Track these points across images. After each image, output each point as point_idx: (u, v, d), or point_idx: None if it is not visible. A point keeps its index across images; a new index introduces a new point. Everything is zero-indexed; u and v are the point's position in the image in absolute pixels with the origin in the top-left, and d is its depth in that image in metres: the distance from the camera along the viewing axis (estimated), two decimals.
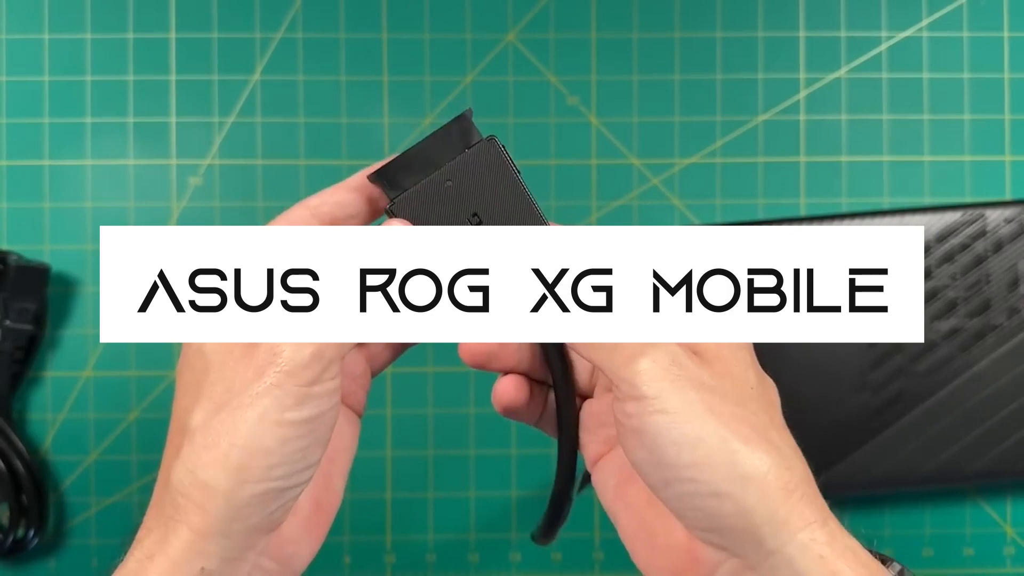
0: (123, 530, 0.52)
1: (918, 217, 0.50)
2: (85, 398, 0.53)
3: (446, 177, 0.33)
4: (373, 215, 0.36)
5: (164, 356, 0.53)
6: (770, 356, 0.50)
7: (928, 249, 0.50)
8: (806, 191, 0.53)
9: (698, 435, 0.30)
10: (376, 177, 0.34)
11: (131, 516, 0.52)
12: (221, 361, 0.32)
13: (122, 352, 0.53)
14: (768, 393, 0.34)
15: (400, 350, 0.38)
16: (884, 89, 0.53)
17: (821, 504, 0.32)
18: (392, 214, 0.34)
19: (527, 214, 0.34)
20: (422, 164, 0.33)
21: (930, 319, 0.50)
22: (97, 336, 0.53)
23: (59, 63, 0.53)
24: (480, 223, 0.33)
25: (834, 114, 0.53)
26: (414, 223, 0.33)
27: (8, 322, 0.50)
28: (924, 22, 0.53)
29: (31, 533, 0.50)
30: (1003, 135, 0.53)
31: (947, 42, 0.53)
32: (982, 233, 0.50)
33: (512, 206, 0.34)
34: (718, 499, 0.30)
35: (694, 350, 0.32)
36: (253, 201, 0.53)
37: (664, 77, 0.53)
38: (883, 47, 0.53)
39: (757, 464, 0.30)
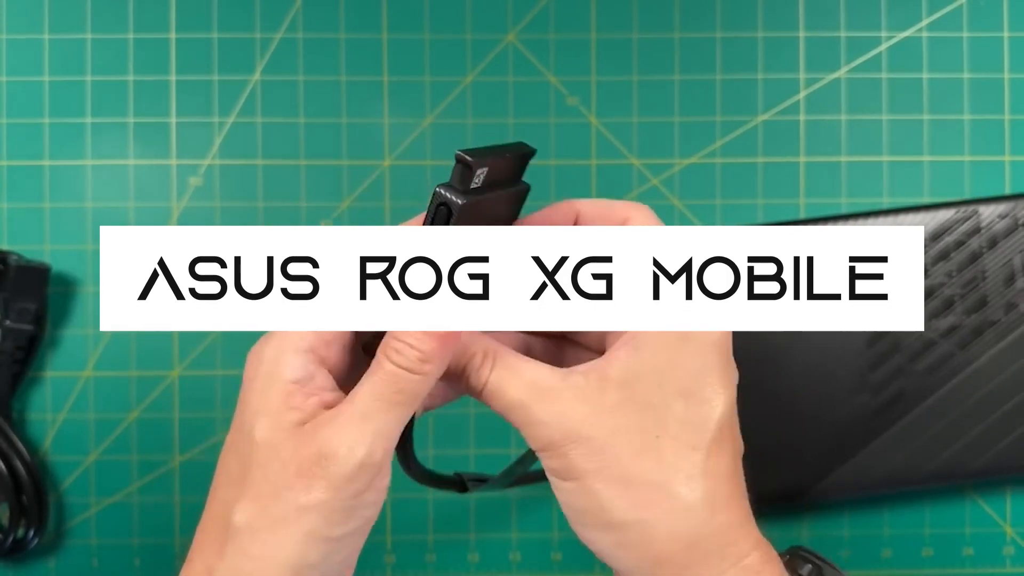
0: (123, 530, 0.52)
1: (912, 216, 0.50)
2: (85, 398, 0.53)
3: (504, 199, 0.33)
4: None
5: (164, 356, 0.53)
6: (769, 358, 0.50)
7: (924, 247, 0.50)
8: (806, 191, 0.53)
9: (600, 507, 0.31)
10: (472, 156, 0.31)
11: (131, 516, 0.52)
12: (267, 456, 0.30)
13: (122, 352, 0.53)
14: (700, 411, 0.32)
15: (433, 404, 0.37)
16: (884, 89, 0.53)
17: (748, 528, 0.32)
18: (448, 211, 0.31)
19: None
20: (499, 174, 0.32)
21: (928, 317, 0.50)
22: (97, 336, 0.53)
23: (59, 63, 0.53)
24: None
25: (834, 114, 0.53)
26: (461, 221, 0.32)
27: (8, 322, 0.50)
28: (924, 22, 0.53)
29: (31, 533, 0.50)
30: (1003, 135, 0.53)
31: (947, 42, 0.53)
32: (976, 230, 0.50)
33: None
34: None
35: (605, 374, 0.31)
36: (253, 201, 0.53)
37: (664, 77, 0.53)
38: (883, 47, 0.53)
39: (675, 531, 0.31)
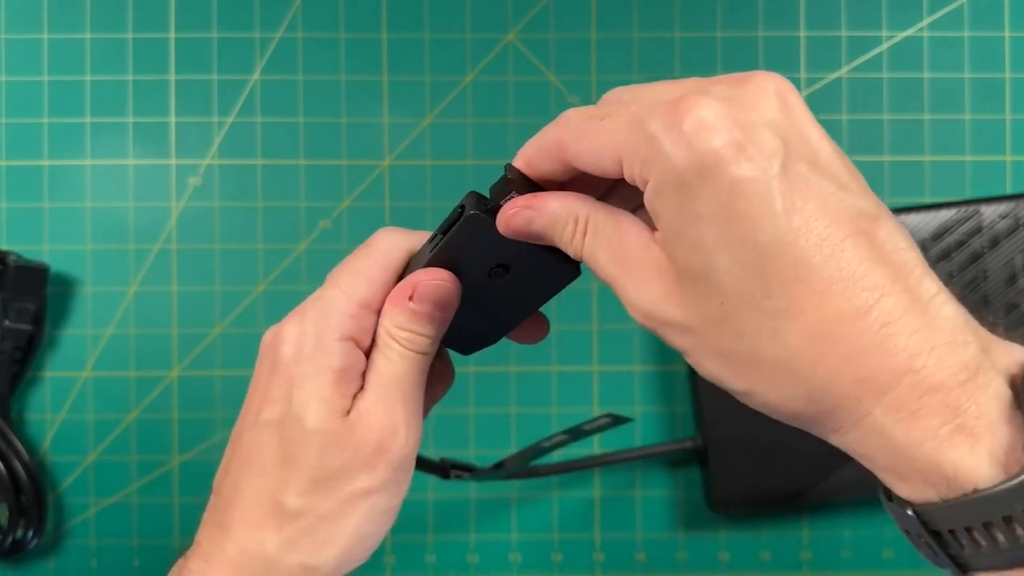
0: (122, 531, 0.52)
1: (913, 215, 0.50)
2: (84, 398, 0.52)
3: (521, 248, 0.31)
4: None
5: (163, 356, 0.52)
6: None
7: (924, 247, 0.50)
8: None
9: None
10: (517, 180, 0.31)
11: (130, 516, 0.52)
12: (323, 443, 0.31)
13: (121, 352, 0.52)
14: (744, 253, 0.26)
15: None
16: (885, 89, 0.53)
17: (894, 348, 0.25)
18: (464, 220, 0.31)
19: (508, 325, 0.35)
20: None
21: None
22: (97, 336, 0.53)
23: (59, 63, 0.53)
24: (499, 279, 0.33)
25: (835, 114, 0.53)
26: (459, 238, 0.31)
27: (7, 322, 0.50)
28: (925, 22, 0.53)
29: (30, 534, 0.50)
30: (1003, 135, 0.53)
31: (948, 42, 0.53)
32: (978, 230, 0.50)
33: (515, 312, 0.34)
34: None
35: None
36: (253, 201, 0.53)
37: (664, 77, 0.53)
38: (884, 47, 0.53)
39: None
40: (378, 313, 0.33)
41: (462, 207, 0.31)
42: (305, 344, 0.32)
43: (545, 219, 0.29)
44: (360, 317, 0.32)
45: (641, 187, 0.27)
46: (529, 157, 0.30)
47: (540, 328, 0.36)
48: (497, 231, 0.30)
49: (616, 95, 0.29)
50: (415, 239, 0.34)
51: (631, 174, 0.27)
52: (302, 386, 0.32)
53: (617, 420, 0.44)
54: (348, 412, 0.32)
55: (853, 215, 0.26)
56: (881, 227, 0.26)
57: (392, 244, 0.33)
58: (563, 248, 0.30)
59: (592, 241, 0.29)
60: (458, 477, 0.42)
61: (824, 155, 0.27)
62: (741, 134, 0.25)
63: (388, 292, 0.33)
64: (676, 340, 0.28)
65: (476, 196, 0.31)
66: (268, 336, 0.33)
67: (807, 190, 0.25)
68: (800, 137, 0.27)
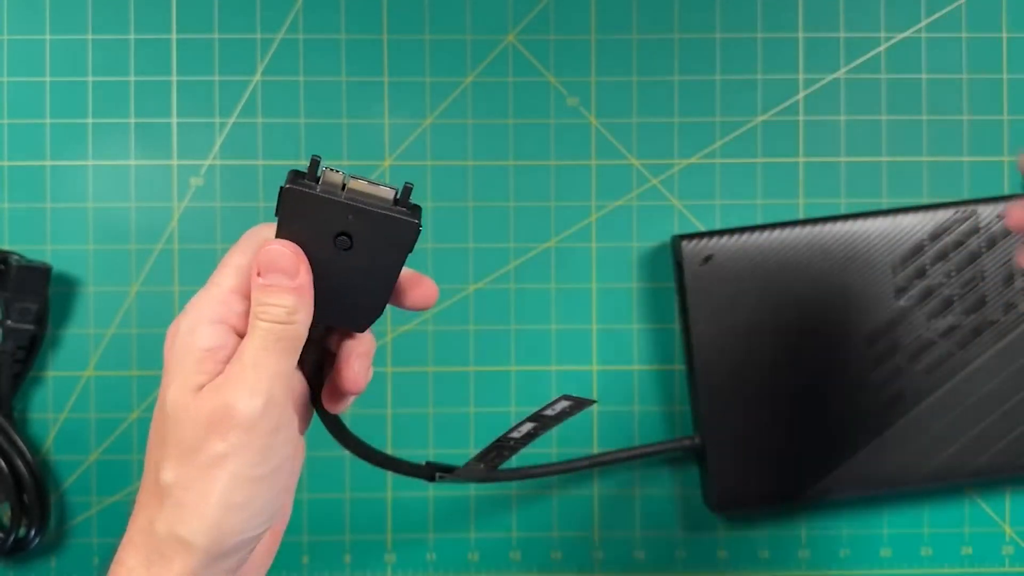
0: (124, 530, 0.52)
1: (911, 216, 0.50)
2: (86, 398, 0.53)
3: (351, 212, 0.33)
4: None
5: None
6: (770, 359, 0.50)
7: (922, 247, 0.50)
8: (805, 191, 0.53)
9: None
10: (311, 167, 0.34)
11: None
12: (178, 417, 0.33)
13: (123, 352, 0.53)
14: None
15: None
16: (883, 90, 0.53)
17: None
18: (280, 196, 0.33)
19: (381, 293, 0.35)
20: (352, 194, 0.33)
21: (927, 317, 0.50)
22: (99, 336, 0.53)
23: (61, 64, 0.53)
24: (348, 248, 0.34)
25: (833, 115, 0.53)
26: (286, 215, 0.33)
27: (9, 322, 0.51)
28: (923, 23, 0.53)
29: (32, 532, 0.51)
30: (1001, 136, 0.53)
31: (946, 43, 0.53)
32: (975, 230, 0.50)
33: (380, 278, 0.35)
34: None
35: None
36: (254, 201, 0.53)
37: (663, 78, 0.53)
38: (882, 48, 0.53)
39: None
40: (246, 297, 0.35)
41: (281, 188, 0.33)
42: (180, 332, 0.34)
43: None
44: (230, 302, 0.34)
45: None
46: None
47: (425, 289, 0.37)
48: (322, 200, 0.33)
49: None
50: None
51: None
52: (169, 369, 0.34)
53: (579, 403, 0.44)
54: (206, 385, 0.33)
55: None
56: None
57: (259, 235, 0.36)
58: None
59: None
60: (443, 479, 0.42)
61: None
62: None
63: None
64: None
65: (293, 172, 0.33)
66: (167, 332, 0.35)
67: None
68: None
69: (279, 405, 0.33)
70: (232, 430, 0.32)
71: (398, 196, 0.34)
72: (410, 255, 0.34)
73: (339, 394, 0.36)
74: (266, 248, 0.34)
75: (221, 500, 0.32)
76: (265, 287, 0.33)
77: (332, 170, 0.33)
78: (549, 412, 0.41)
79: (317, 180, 0.33)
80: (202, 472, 0.32)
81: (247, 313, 0.34)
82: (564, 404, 0.42)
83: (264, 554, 0.37)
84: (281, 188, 0.33)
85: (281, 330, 0.33)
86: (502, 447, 0.42)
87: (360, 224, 0.33)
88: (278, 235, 0.34)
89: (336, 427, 0.38)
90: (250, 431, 0.32)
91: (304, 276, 0.34)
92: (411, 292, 0.36)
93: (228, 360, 0.34)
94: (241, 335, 0.34)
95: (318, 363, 0.37)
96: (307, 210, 0.33)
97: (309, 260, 0.34)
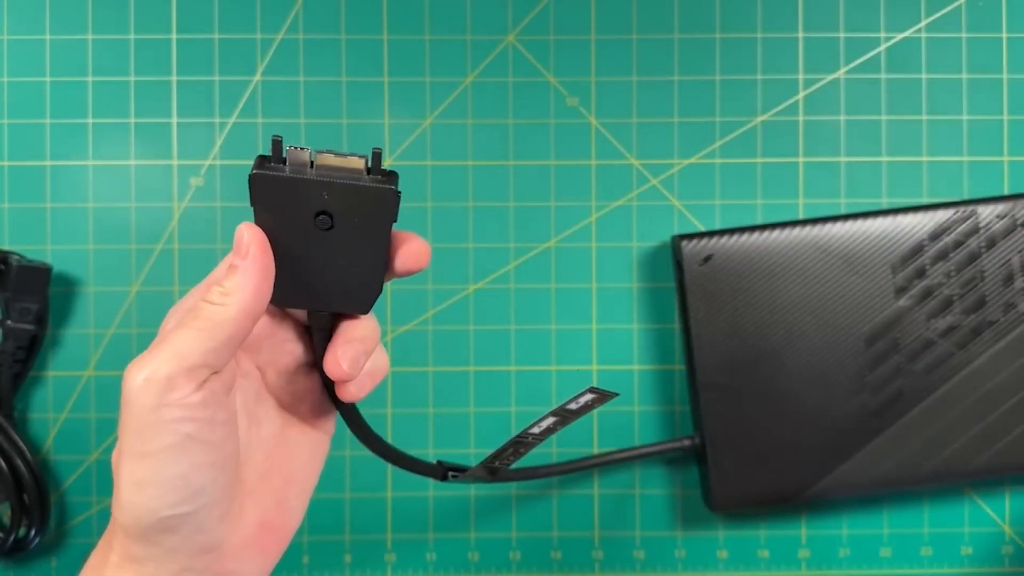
0: None
1: (911, 216, 0.50)
2: (87, 398, 0.53)
3: (325, 189, 0.32)
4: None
5: None
6: (768, 358, 0.50)
7: (922, 247, 0.50)
8: (805, 192, 0.53)
9: None
10: (273, 148, 0.32)
11: None
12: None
13: (124, 352, 0.53)
14: None
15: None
16: (883, 90, 0.53)
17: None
18: (250, 183, 0.32)
19: (374, 268, 0.34)
20: (320, 169, 0.32)
21: (926, 317, 0.50)
22: (99, 336, 0.53)
23: (61, 64, 0.53)
24: (330, 228, 0.32)
25: (833, 115, 0.53)
26: (259, 202, 0.32)
27: (10, 322, 0.51)
28: (923, 23, 0.53)
29: (33, 532, 0.51)
30: (1001, 136, 0.53)
31: (945, 43, 0.53)
32: (975, 230, 0.50)
33: (370, 253, 0.33)
34: None
35: None
36: None
37: (663, 78, 0.53)
38: (882, 48, 0.53)
39: None
40: None
41: (249, 176, 0.32)
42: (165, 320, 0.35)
43: None
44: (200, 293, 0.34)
45: None
46: None
47: (413, 246, 0.34)
48: (292, 182, 0.31)
49: None
50: None
51: None
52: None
53: (604, 396, 0.44)
54: None
55: None
56: None
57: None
58: None
59: None
60: (455, 479, 0.42)
61: None
62: None
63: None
64: None
65: (260, 157, 0.32)
66: None
67: None
68: None
69: (161, 382, 0.31)
70: (124, 403, 0.31)
71: (368, 164, 0.32)
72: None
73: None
74: (238, 227, 0.33)
75: (124, 477, 0.32)
76: (219, 267, 0.34)
77: (297, 148, 0.32)
78: (573, 406, 0.41)
79: (284, 162, 0.32)
80: (116, 450, 0.32)
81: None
82: (589, 397, 0.42)
83: (244, 546, 0.35)
84: (249, 176, 0.32)
85: (207, 310, 0.32)
86: (520, 444, 0.42)
87: (337, 200, 0.32)
88: (255, 220, 0.33)
89: (352, 420, 0.37)
90: (126, 407, 0.31)
91: (255, 257, 0.32)
92: (398, 253, 0.34)
93: None
94: None
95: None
96: (279, 194, 0.32)
97: (290, 245, 0.33)
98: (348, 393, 0.35)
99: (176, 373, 0.31)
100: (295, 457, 0.37)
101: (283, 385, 0.37)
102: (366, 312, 0.35)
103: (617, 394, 0.41)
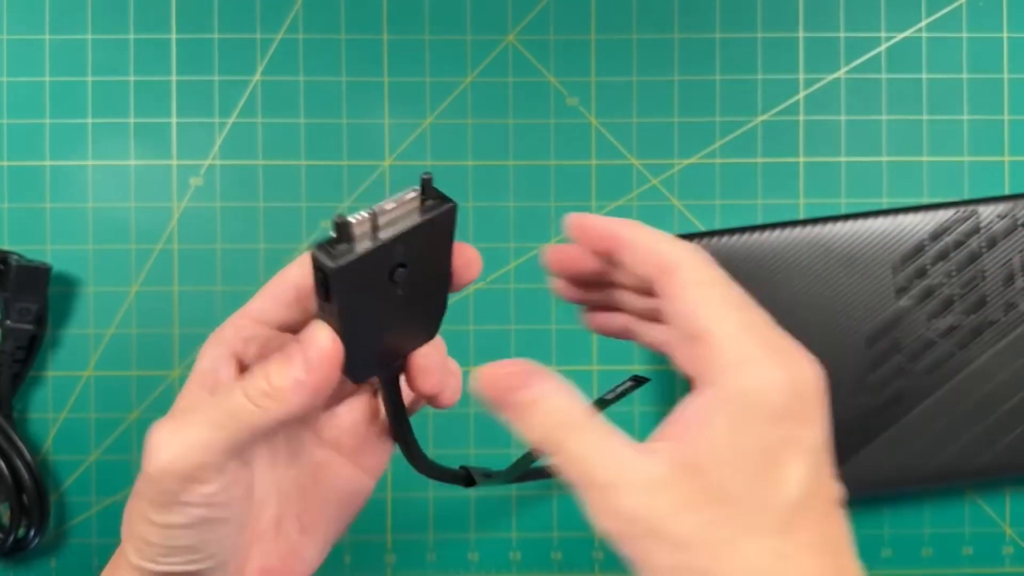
0: None
1: (911, 216, 0.50)
2: (86, 398, 0.53)
3: (401, 241, 0.29)
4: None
5: (165, 356, 0.53)
6: None
7: (923, 247, 0.50)
8: (805, 192, 0.53)
9: None
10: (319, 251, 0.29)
11: None
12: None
13: (123, 352, 0.53)
14: (775, 492, 0.29)
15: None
16: (883, 90, 0.53)
17: None
18: (327, 280, 0.28)
19: (440, 289, 0.32)
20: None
21: (927, 317, 0.50)
22: (98, 336, 0.53)
23: (60, 63, 0.53)
24: (406, 276, 0.30)
25: (833, 115, 0.53)
26: (339, 297, 0.29)
27: (9, 322, 0.51)
28: (923, 23, 0.53)
29: (32, 533, 0.50)
30: (1002, 136, 0.53)
31: (946, 43, 0.53)
32: (976, 230, 0.50)
33: (436, 276, 0.32)
34: None
35: None
36: (254, 201, 0.53)
37: (664, 78, 0.53)
38: (882, 48, 0.53)
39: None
40: (268, 325, 0.33)
41: (320, 270, 0.28)
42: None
43: (535, 394, 0.30)
44: (239, 325, 0.33)
45: (705, 367, 0.28)
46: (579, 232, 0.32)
47: (468, 261, 0.33)
48: (368, 256, 0.28)
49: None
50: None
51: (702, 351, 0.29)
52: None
53: (639, 382, 0.44)
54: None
55: (828, 501, 0.32)
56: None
57: (299, 264, 0.33)
58: (532, 434, 0.30)
59: (579, 443, 0.29)
60: (483, 483, 0.41)
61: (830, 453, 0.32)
62: (819, 404, 0.29)
63: (282, 303, 0.33)
64: (660, 554, 0.27)
65: (320, 247, 0.28)
66: None
67: (820, 478, 0.31)
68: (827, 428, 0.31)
69: (178, 473, 0.30)
70: (144, 471, 0.30)
71: (422, 193, 0.30)
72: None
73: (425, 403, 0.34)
74: (312, 330, 0.30)
75: (134, 531, 0.31)
76: (277, 357, 0.30)
77: (358, 217, 0.28)
78: (610, 395, 0.41)
79: (350, 238, 0.28)
80: (129, 502, 0.32)
81: (253, 340, 0.33)
82: (627, 384, 0.42)
83: None
84: (325, 271, 0.28)
85: (242, 407, 0.30)
86: None
87: (410, 246, 0.29)
88: (321, 313, 0.30)
89: (413, 453, 0.36)
90: (147, 481, 0.30)
91: (319, 372, 0.30)
92: (460, 272, 0.33)
93: (211, 389, 0.32)
94: (238, 361, 0.33)
95: (396, 400, 0.34)
96: (357, 274, 0.29)
97: (367, 318, 0.30)
98: (447, 404, 0.35)
99: (201, 467, 0.30)
100: (322, 503, 0.35)
101: (328, 419, 0.35)
102: (433, 336, 0.34)
103: (649, 379, 0.41)
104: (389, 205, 0.29)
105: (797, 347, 0.29)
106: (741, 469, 0.27)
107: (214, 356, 0.32)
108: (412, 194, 0.30)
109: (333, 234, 0.28)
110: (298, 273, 0.33)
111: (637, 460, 0.28)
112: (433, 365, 0.34)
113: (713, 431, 0.28)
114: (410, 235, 0.29)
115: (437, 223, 0.30)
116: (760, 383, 0.27)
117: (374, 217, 0.29)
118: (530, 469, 0.48)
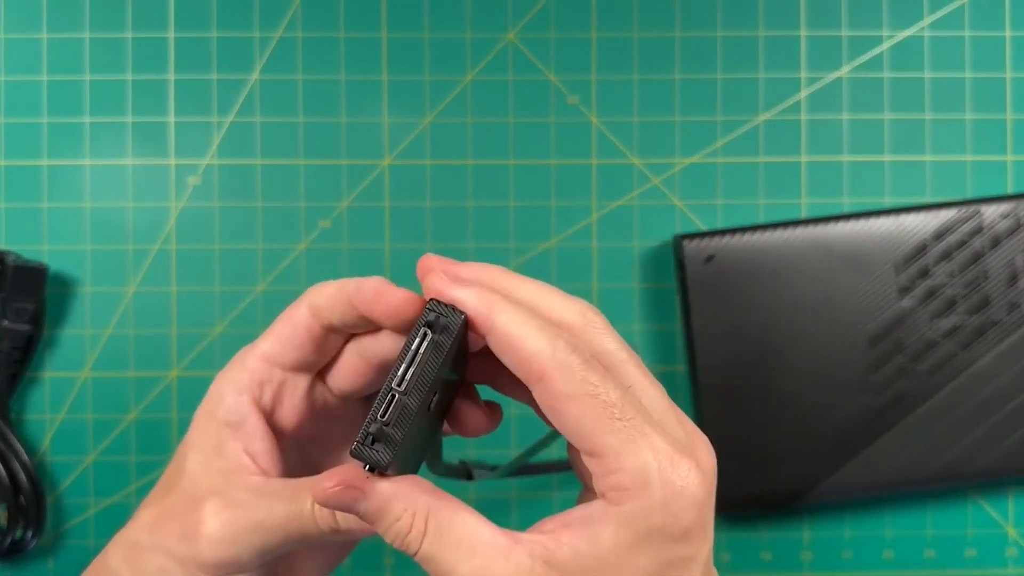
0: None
1: (914, 215, 0.50)
2: (83, 399, 0.52)
3: (437, 389, 0.29)
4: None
5: (163, 357, 0.52)
6: (772, 359, 0.50)
7: (925, 247, 0.50)
8: (807, 191, 0.53)
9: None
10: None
11: (129, 517, 0.52)
12: (186, 488, 0.33)
13: (121, 353, 0.52)
14: None
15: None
16: (885, 89, 0.53)
17: None
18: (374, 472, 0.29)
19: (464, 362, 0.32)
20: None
21: (930, 317, 0.50)
22: (96, 337, 0.52)
23: (57, 62, 0.52)
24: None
25: (835, 114, 0.53)
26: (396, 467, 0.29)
27: (6, 322, 0.50)
28: (925, 21, 0.53)
29: (29, 534, 0.50)
30: (1004, 135, 0.53)
31: (948, 41, 0.53)
32: (979, 229, 0.50)
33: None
34: None
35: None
36: (252, 201, 0.53)
37: (664, 76, 0.53)
38: (884, 46, 0.53)
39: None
40: (280, 368, 0.33)
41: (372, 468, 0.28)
42: (209, 397, 0.34)
43: (374, 506, 0.29)
44: (257, 370, 0.33)
45: (596, 484, 0.28)
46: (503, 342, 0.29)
47: (493, 414, 0.34)
48: (416, 428, 0.29)
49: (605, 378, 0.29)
50: (336, 292, 0.32)
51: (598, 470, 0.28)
52: (190, 435, 0.34)
53: None
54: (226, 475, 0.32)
55: None
56: None
57: (312, 301, 0.32)
58: (387, 539, 0.29)
59: (434, 541, 0.28)
60: (481, 477, 0.42)
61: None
62: (707, 516, 0.28)
63: (294, 346, 0.33)
64: None
65: (364, 447, 0.28)
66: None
67: None
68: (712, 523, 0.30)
69: (230, 565, 0.32)
70: (190, 543, 0.32)
71: (431, 327, 0.29)
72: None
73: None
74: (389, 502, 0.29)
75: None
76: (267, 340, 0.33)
77: (396, 395, 0.28)
78: None
79: (400, 436, 0.28)
80: (155, 551, 0.33)
81: (269, 383, 0.33)
82: None
83: None
84: (374, 470, 0.29)
85: (308, 524, 0.31)
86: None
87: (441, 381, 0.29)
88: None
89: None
90: (194, 563, 0.32)
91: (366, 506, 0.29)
92: (479, 418, 0.33)
93: (245, 441, 0.33)
94: (261, 408, 0.33)
95: (437, 445, 0.35)
96: (407, 438, 0.28)
97: (418, 454, 0.31)
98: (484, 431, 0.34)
99: (250, 563, 0.32)
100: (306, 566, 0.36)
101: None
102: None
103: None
104: (418, 357, 0.28)
105: (691, 437, 0.29)
106: None
107: (238, 403, 0.33)
108: (418, 339, 0.29)
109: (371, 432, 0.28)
110: (306, 315, 0.33)
111: (495, 549, 0.28)
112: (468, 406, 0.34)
113: (599, 547, 0.28)
114: (440, 370, 0.29)
115: (458, 336, 0.29)
116: (651, 507, 0.27)
117: (405, 377, 0.28)
118: (529, 464, 0.48)
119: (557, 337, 0.28)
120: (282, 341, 0.33)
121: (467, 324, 0.29)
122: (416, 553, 0.29)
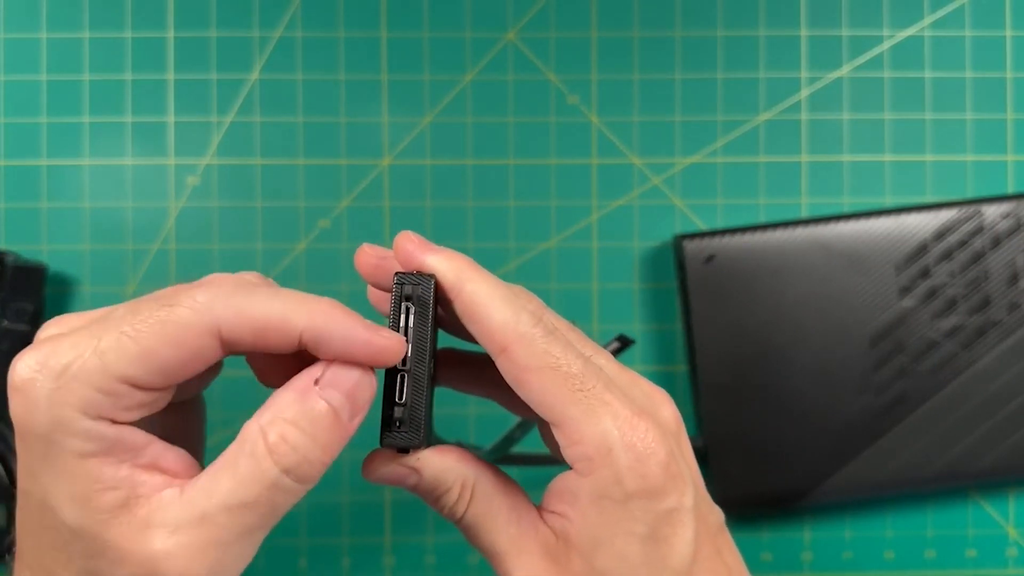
0: None
1: (914, 215, 0.50)
2: None
3: (433, 356, 0.30)
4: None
5: None
6: (773, 359, 0.50)
7: (926, 247, 0.50)
8: (807, 191, 0.53)
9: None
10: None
11: None
12: (86, 548, 0.26)
13: None
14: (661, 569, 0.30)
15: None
16: (886, 88, 0.53)
17: None
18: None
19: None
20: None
21: (931, 317, 0.50)
22: None
23: (57, 62, 0.52)
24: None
25: (836, 113, 0.53)
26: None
27: (5, 322, 0.50)
28: (926, 21, 0.53)
29: None
30: (1005, 134, 0.53)
31: (949, 41, 0.53)
32: (980, 229, 0.50)
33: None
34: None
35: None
36: (252, 201, 0.53)
37: (665, 76, 0.53)
38: (885, 46, 0.53)
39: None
40: (145, 390, 0.25)
41: (406, 298, 0.29)
42: (40, 407, 0.24)
43: (428, 482, 0.29)
44: (118, 395, 0.25)
45: (564, 455, 0.29)
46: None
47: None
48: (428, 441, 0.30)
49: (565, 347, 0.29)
50: (245, 295, 0.27)
51: (566, 439, 0.29)
52: (42, 474, 0.25)
53: (624, 343, 0.45)
54: (132, 510, 0.25)
55: (714, 531, 0.31)
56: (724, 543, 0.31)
57: (205, 302, 0.26)
58: (438, 510, 0.30)
59: (477, 509, 0.30)
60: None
61: (701, 480, 0.31)
62: (675, 466, 0.29)
63: (168, 370, 0.26)
64: None
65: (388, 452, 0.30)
66: (10, 385, 0.26)
67: (704, 522, 0.30)
68: (692, 467, 0.31)
69: None
70: None
71: (409, 300, 0.29)
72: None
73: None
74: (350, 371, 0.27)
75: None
76: (321, 415, 0.26)
77: (404, 374, 0.29)
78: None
79: (421, 413, 0.29)
80: None
81: (137, 406, 0.26)
82: (614, 346, 0.44)
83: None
84: (406, 450, 0.30)
85: (289, 488, 0.26)
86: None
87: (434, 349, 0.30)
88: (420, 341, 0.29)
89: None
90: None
91: (361, 418, 0.28)
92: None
93: (131, 459, 0.25)
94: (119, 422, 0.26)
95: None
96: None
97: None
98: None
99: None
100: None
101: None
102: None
103: (634, 341, 0.42)
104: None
105: (649, 396, 0.30)
106: (624, 556, 0.28)
107: (99, 434, 0.25)
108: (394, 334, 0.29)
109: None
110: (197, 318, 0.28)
111: (526, 524, 0.30)
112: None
113: (590, 522, 0.29)
114: (432, 338, 0.30)
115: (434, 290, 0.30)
116: (619, 473, 0.28)
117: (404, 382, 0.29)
118: (518, 454, 0.48)
119: (521, 309, 0.29)
120: (148, 359, 0.26)
121: (438, 287, 0.30)
122: (460, 519, 0.30)
